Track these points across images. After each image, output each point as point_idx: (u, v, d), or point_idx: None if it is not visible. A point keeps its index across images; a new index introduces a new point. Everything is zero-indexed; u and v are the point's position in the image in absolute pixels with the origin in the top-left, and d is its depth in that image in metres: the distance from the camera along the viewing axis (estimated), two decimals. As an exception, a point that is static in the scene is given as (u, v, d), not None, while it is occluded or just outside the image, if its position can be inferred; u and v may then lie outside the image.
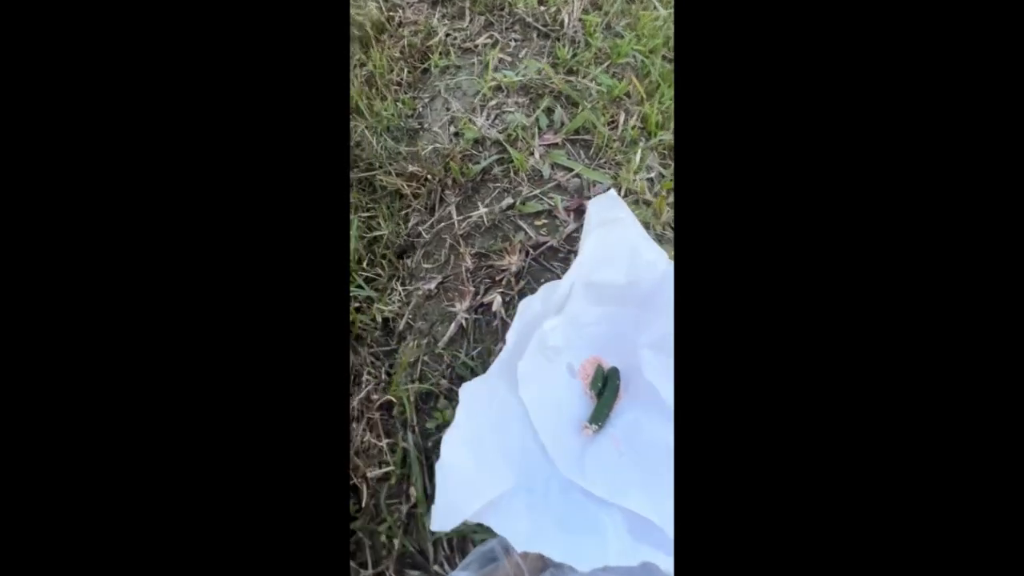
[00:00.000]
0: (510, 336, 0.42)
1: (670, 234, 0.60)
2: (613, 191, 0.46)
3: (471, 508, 0.36)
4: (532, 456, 0.43)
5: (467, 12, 0.79)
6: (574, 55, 0.72)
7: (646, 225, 0.59)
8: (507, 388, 0.43)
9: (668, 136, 0.70)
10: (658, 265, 0.45)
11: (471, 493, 0.37)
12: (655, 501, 0.40)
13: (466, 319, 0.54)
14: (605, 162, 0.64)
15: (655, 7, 0.92)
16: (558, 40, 0.74)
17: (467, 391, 0.40)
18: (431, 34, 0.78)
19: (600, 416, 0.46)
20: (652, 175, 0.65)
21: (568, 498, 0.42)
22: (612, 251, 0.45)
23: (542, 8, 0.78)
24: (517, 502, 0.40)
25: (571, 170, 0.62)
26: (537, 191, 0.61)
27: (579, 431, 0.46)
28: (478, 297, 0.55)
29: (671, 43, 0.96)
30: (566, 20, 0.74)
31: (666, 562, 0.36)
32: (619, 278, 0.46)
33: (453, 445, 0.38)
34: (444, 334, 0.53)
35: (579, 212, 0.60)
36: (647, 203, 0.61)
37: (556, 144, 0.65)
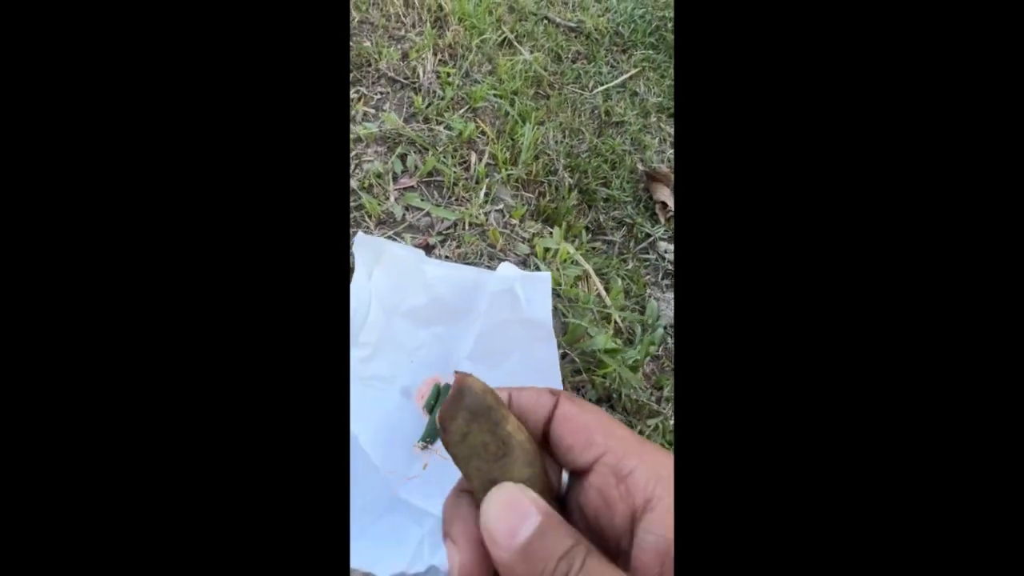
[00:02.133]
0: None
1: (512, 259, 0.66)
2: (361, 233, 0.50)
3: None
4: (367, 476, 0.47)
5: (338, 72, 0.86)
6: (429, 104, 0.79)
7: (486, 253, 0.65)
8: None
9: (517, 170, 0.77)
10: (449, 279, 0.51)
11: None
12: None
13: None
14: (455, 199, 0.71)
15: (519, 52, 1.01)
16: (416, 91, 0.81)
17: None
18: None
19: (430, 433, 0.50)
20: (501, 207, 0.72)
21: (394, 512, 0.46)
22: (401, 279, 0.51)
23: (403, 63, 0.85)
24: (352, 525, 0.44)
25: (422, 210, 0.68)
26: (391, 232, 0.66)
27: (411, 450, 0.50)
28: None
29: (544, 81, 1.05)
30: (421, 73, 0.82)
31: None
32: (422, 299, 0.51)
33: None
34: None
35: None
36: (487, 232, 0.67)
37: (411, 187, 0.71)
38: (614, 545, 0.18)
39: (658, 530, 0.17)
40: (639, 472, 0.18)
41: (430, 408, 0.52)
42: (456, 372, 0.19)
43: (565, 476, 0.21)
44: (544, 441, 0.20)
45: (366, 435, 0.48)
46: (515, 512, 0.16)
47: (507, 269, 0.47)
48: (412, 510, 0.45)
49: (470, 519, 0.18)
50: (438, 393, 0.52)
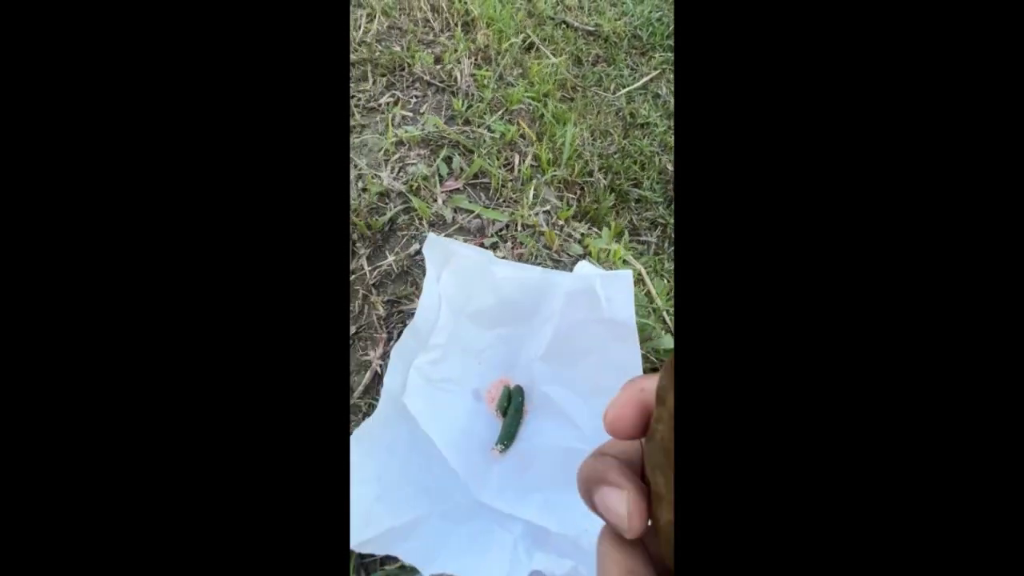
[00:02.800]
0: (388, 378, 0.46)
1: (566, 260, 0.65)
2: (432, 234, 0.50)
3: (383, 525, 0.39)
4: (445, 482, 0.46)
5: (369, 75, 0.86)
6: (469, 107, 0.79)
7: (543, 254, 0.65)
8: (401, 424, 0.46)
9: (560, 171, 0.77)
10: (516, 279, 0.50)
11: (383, 515, 0.40)
12: (552, 507, 0.43)
13: (381, 365, 0.57)
14: (503, 201, 0.70)
15: (547, 55, 1.01)
16: (454, 95, 0.81)
17: (357, 438, 0.43)
18: (338, 99, 0.84)
19: (507, 435, 0.49)
20: (548, 208, 0.72)
21: (476, 517, 0.45)
22: (469, 281, 0.50)
23: (438, 67, 0.85)
24: (428, 527, 0.43)
25: (472, 212, 0.68)
26: (442, 235, 0.66)
27: (488, 453, 0.49)
28: (391, 342, 0.59)
29: (568, 84, 1.05)
30: (459, 77, 0.81)
31: (560, 565, 0.39)
32: (490, 300, 0.51)
33: (360, 485, 0.41)
34: (360, 383, 0.56)
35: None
36: (541, 234, 0.66)
37: (458, 189, 0.71)
38: None
39: None
40: None
41: (503, 411, 0.51)
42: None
43: None
44: None
45: (442, 438, 0.47)
46: None
47: (585, 267, 0.47)
48: (496, 515, 0.44)
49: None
50: (509, 395, 0.52)
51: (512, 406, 0.51)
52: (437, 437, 0.47)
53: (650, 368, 0.57)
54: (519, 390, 0.52)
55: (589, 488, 0.17)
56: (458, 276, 0.51)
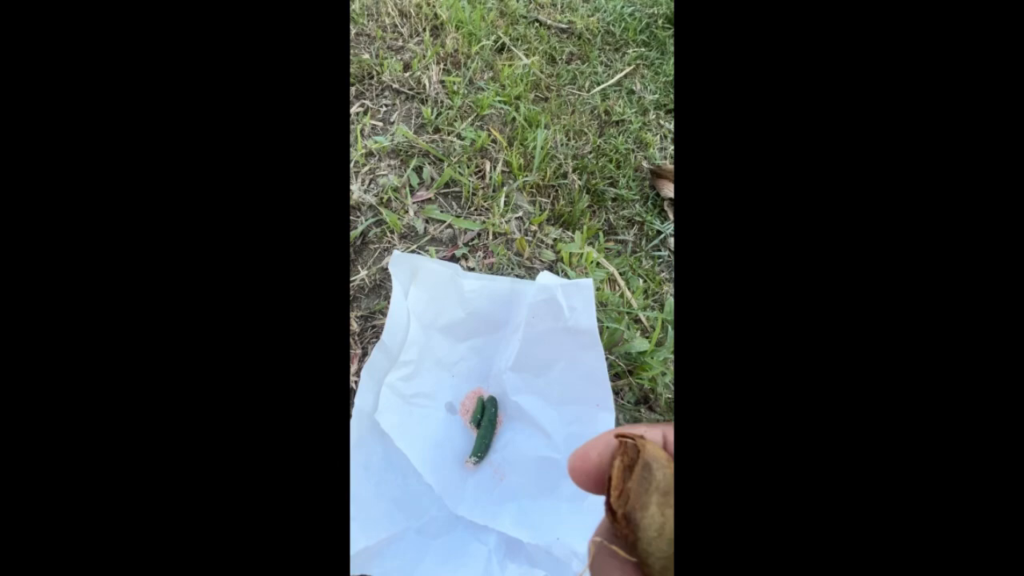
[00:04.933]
0: (359, 398, 0.46)
1: (538, 266, 0.66)
2: (397, 251, 0.50)
3: (357, 545, 0.40)
4: (420, 498, 0.47)
5: (339, 86, 0.85)
6: (438, 115, 0.78)
7: (514, 261, 0.65)
8: (374, 443, 0.46)
9: (532, 176, 0.77)
10: (484, 291, 0.51)
11: (356, 535, 0.41)
12: (526, 515, 0.44)
13: (355, 381, 0.57)
14: (475, 209, 0.70)
15: (519, 57, 1.01)
16: (423, 103, 0.80)
17: None
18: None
19: (480, 447, 0.50)
20: (520, 214, 0.72)
21: (452, 531, 0.45)
22: (437, 295, 0.51)
23: (407, 74, 0.84)
24: (403, 544, 0.43)
25: (443, 222, 0.68)
26: (414, 246, 0.66)
27: (463, 466, 0.50)
28: (366, 357, 0.59)
29: (542, 84, 1.05)
30: (427, 84, 0.81)
31: (531, 575, 0.40)
32: (459, 314, 0.51)
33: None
34: (336, 396, 0.56)
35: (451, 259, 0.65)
36: (513, 241, 0.67)
37: (429, 200, 0.71)
38: None
39: None
40: None
41: (477, 423, 0.51)
42: (628, 439, 0.16)
43: None
44: None
45: (416, 453, 0.47)
46: None
47: (547, 278, 0.47)
48: (471, 527, 0.45)
49: None
50: (483, 407, 0.52)
51: (485, 417, 0.51)
52: (411, 452, 0.47)
53: (612, 373, 0.58)
54: (492, 401, 0.53)
55: None
56: (426, 291, 0.51)
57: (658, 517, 0.14)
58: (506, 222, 0.68)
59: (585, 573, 0.17)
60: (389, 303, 0.62)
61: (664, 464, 0.15)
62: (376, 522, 0.43)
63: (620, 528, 0.15)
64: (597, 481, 0.17)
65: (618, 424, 0.52)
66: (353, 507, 0.44)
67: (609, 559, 0.16)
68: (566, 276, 0.64)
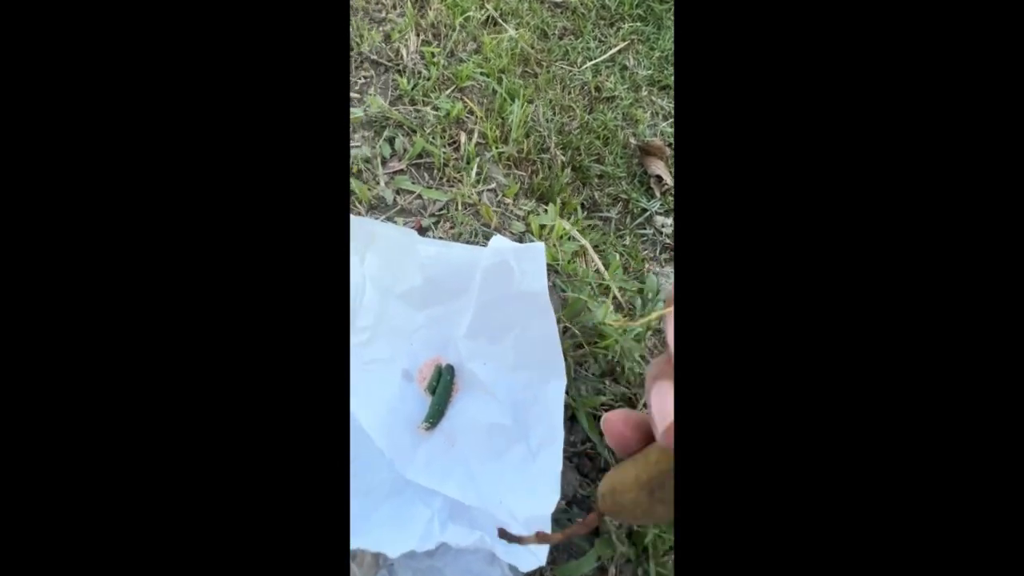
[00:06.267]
0: None
1: (507, 237, 0.65)
2: (353, 217, 0.49)
3: None
4: (369, 460, 0.47)
5: (320, 58, 0.85)
6: (415, 85, 0.77)
7: (480, 232, 0.64)
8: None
9: (508, 148, 0.75)
10: (442, 258, 0.50)
11: None
12: (472, 479, 0.44)
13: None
14: (446, 180, 0.69)
15: (504, 29, 0.99)
16: (400, 73, 0.80)
17: None
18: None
19: (434, 414, 0.50)
20: (493, 186, 0.71)
21: (400, 494, 0.45)
22: (394, 261, 0.50)
23: (386, 45, 0.83)
24: (352, 505, 0.43)
25: (413, 192, 0.67)
26: (383, 216, 0.65)
27: (415, 431, 0.50)
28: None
29: (532, 59, 1.03)
30: (405, 54, 0.80)
31: (468, 536, 0.40)
32: (417, 280, 0.51)
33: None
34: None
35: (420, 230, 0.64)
36: (480, 213, 0.66)
37: (401, 171, 0.70)
38: None
39: None
40: None
41: (432, 390, 0.51)
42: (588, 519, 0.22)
43: None
44: None
45: (368, 419, 0.47)
46: None
47: (499, 242, 0.46)
48: (419, 490, 0.45)
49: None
50: (440, 375, 0.52)
51: (440, 384, 0.51)
52: (363, 418, 0.47)
53: (573, 343, 0.57)
54: (450, 369, 0.52)
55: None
56: (383, 256, 0.51)
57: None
58: (477, 193, 0.67)
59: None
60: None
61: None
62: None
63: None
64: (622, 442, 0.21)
65: (568, 391, 0.52)
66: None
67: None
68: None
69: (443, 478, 0.45)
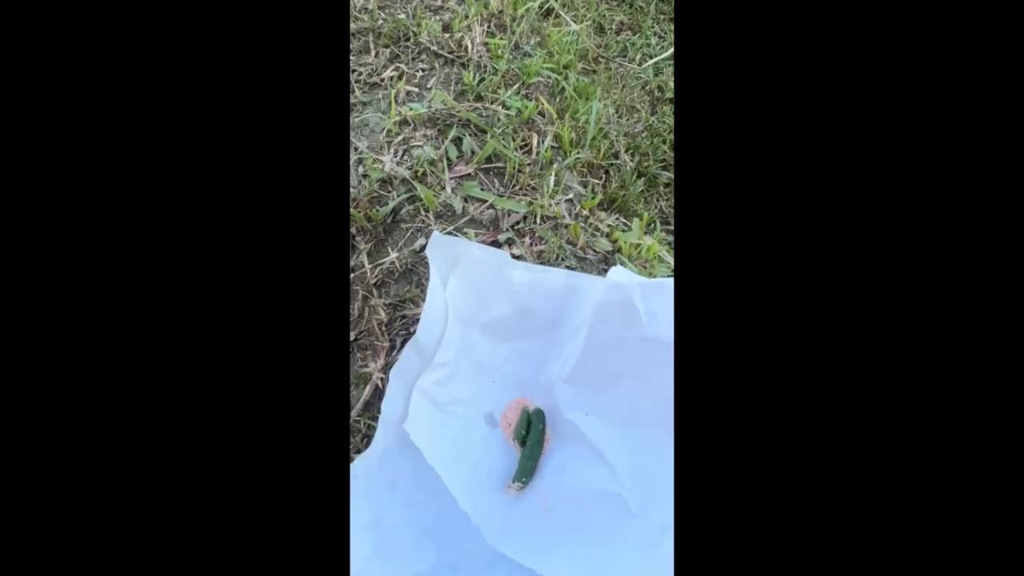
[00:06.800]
0: (387, 404, 0.39)
1: (592, 258, 0.57)
2: (436, 232, 0.42)
3: None
4: (454, 526, 0.40)
5: (371, 46, 0.77)
6: (481, 80, 0.70)
7: (566, 250, 0.57)
8: (402, 457, 0.39)
9: (584, 153, 0.68)
10: (537, 284, 0.43)
11: (379, 573, 0.34)
12: (580, 561, 0.37)
13: (382, 379, 0.50)
14: (520, 188, 0.62)
15: (567, 23, 0.91)
16: (464, 67, 0.72)
17: (356, 471, 0.36)
18: (335, 72, 0.75)
19: (525, 470, 0.42)
20: (571, 195, 0.63)
21: (491, 570, 0.38)
22: (481, 286, 0.42)
23: (447, 35, 0.75)
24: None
25: (484, 201, 0.60)
26: (451, 228, 0.58)
27: (504, 491, 0.42)
28: (394, 352, 0.51)
29: (590, 54, 0.95)
30: (469, 46, 0.72)
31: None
32: (506, 310, 0.43)
33: (354, 534, 0.34)
34: (359, 399, 0.49)
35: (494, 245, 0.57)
36: (564, 227, 0.58)
37: (468, 175, 0.62)
38: None
39: None
40: None
41: (521, 439, 0.44)
42: None
43: None
44: None
45: (452, 476, 0.40)
46: None
47: (620, 274, 0.39)
48: (514, 568, 0.38)
49: None
50: (529, 421, 0.44)
51: (532, 434, 0.44)
52: (444, 472, 0.40)
53: None
54: (539, 414, 0.45)
55: None
56: (468, 281, 0.43)
57: None
58: (556, 204, 0.60)
59: None
60: (422, 291, 0.54)
61: None
62: (404, 555, 0.36)
63: None
64: None
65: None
66: (376, 536, 0.36)
67: None
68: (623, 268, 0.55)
69: (542, 555, 0.38)
